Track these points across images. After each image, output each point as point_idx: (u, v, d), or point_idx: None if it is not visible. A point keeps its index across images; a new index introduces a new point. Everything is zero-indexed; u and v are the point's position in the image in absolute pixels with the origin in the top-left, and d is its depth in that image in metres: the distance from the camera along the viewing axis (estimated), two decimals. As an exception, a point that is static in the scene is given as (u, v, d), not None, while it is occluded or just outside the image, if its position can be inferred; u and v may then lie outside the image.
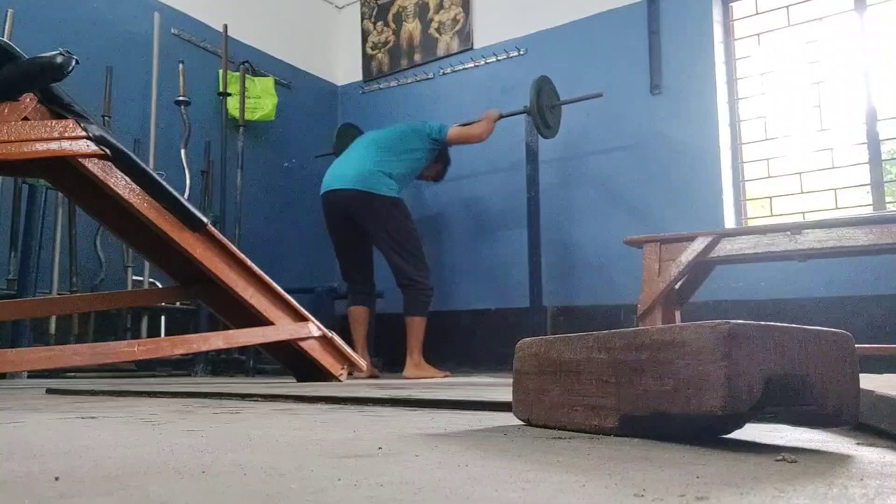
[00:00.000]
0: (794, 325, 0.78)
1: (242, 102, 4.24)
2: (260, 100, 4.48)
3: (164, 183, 2.23)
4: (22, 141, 1.89)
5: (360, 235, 3.54)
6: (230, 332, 2.47)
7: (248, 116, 4.32)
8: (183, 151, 4.05)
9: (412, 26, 5.01)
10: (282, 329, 2.52)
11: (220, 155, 4.15)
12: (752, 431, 0.93)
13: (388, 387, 2.20)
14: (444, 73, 4.83)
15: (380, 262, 3.63)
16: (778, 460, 0.67)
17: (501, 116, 3.78)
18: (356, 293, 3.62)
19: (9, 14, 3.31)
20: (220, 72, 4.26)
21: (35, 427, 1.02)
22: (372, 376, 3.37)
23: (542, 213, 3.84)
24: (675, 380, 0.77)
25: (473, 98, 4.34)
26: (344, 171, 3.47)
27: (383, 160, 3.47)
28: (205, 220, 2.33)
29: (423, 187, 4.64)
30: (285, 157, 4.89)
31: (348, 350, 2.72)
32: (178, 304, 3.82)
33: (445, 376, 3.40)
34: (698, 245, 2.74)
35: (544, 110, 3.76)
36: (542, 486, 0.54)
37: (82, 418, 1.16)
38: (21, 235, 3.19)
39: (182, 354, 2.84)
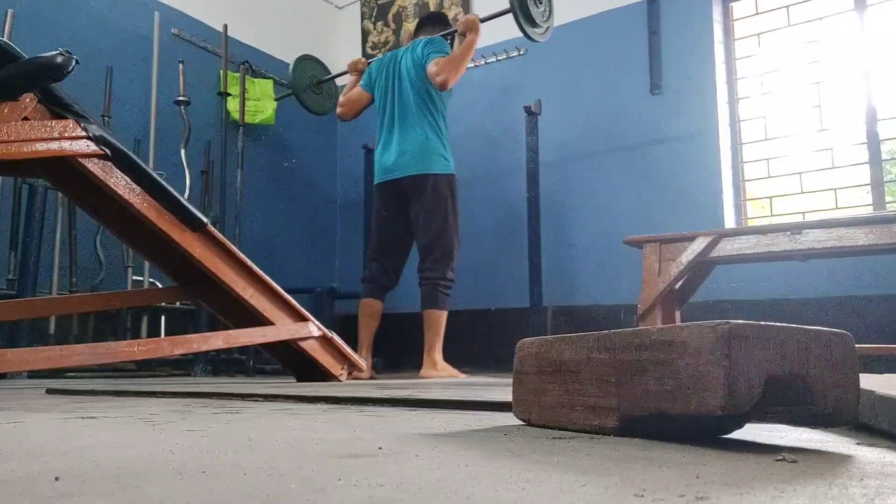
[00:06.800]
0: (794, 325, 0.78)
1: (242, 103, 4.23)
2: (260, 102, 4.48)
3: (164, 183, 2.23)
4: (22, 141, 1.89)
5: (407, 219, 3.26)
6: (230, 332, 2.47)
7: (248, 119, 4.32)
8: (183, 151, 4.05)
9: (412, 26, 5.00)
10: (282, 329, 2.52)
11: (220, 155, 4.15)
12: (752, 431, 0.93)
13: (389, 387, 2.20)
14: (444, 73, 4.81)
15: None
16: (778, 460, 0.67)
17: (481, 20, 3.36)
18: (376, 284, 3.28)
19: (9, 14, 3.31)
20: (220, 72, 4.26)
21: (35, 427, 1.02)
22: (371, 378, 3.21)
23: (542, 213, 3.84)
24: (676, 380, 0.77)
25: (473, 98, 4.33)
26: (399, 151, 3.18)
27: (432, 124, 3.20)
28: (205, 220, 2.33)
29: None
30: (285, 157, 4.89)
31: (348, 350, 2.72)
32: (178, 304, 3.82)
33: (467, 377, 3.12)
34: (698, 245, 2.74)
35: (528, 2, 3.17)
36: (542, 486, 0.54)
37: (82, 418, 1.16)
38: (21, 235, 3.20)
39: (182, 354, 2.84)
